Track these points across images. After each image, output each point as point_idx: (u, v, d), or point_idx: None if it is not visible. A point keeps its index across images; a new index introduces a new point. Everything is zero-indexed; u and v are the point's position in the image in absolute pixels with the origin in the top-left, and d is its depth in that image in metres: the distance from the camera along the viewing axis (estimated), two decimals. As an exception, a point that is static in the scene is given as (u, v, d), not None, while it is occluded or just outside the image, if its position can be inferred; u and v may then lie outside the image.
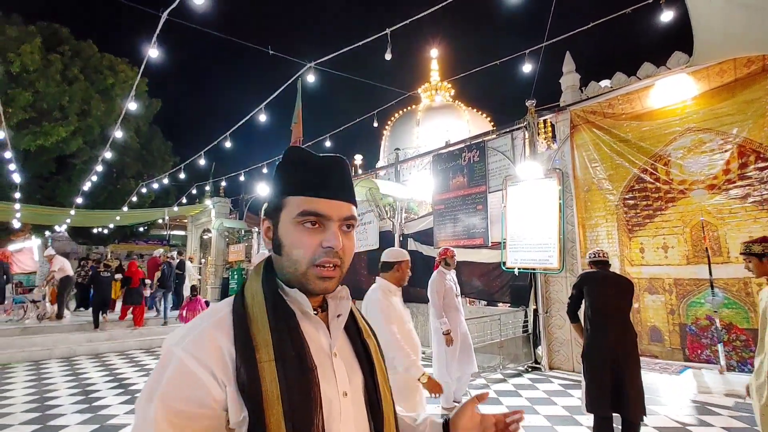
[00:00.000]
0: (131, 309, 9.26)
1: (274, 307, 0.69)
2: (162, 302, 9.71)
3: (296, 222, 0.71)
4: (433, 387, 2.35)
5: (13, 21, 13.41)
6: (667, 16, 5.00)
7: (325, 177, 0.73)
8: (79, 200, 12.75)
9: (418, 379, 2.34)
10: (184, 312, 7.52)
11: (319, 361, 0.69)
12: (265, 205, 0.79)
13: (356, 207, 0.78)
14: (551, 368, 5.94)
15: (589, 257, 3.39)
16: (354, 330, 0.82)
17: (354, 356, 0.79)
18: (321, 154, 0.76)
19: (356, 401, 0.74)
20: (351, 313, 0.82)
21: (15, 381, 5.95)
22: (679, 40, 5.06)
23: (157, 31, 3.83)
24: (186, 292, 9.81)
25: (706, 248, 4.59)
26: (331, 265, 0.70)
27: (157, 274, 9.56)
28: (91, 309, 8.98)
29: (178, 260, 11.47)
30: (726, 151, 4.46)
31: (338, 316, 0.77)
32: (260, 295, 0.70)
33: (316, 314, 0.75)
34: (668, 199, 4.84)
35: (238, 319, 0.67)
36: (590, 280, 3.28)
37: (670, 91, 4.93)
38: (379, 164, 16.06)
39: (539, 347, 6.12)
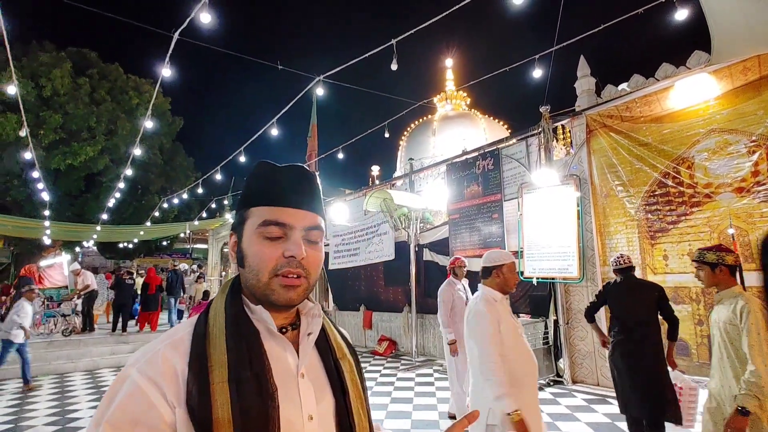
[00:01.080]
0: (149, 316, 9.61)
1: (236, 326, 0.67)
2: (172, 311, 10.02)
3: (258, 233, 0.69)
4: (520, 429, 1.88)
5: (46, 48, 14.18)
6: (683, 14, 4.83)
7: (288, 186, 0.72)
8: (106, 216, 13.20)
9: (508, 414, 1.90)
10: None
11: (282, 383, 0.66)
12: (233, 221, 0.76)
13: (323, 219, 0.76)
14: (574, 382, 5.69)
15: (612, 265, 3.33)
16: (326, 349, 0.78)
17: (326, 377, 0.75)
18: (285, 165, 0.75)
19: (324, 425, 0.70)
20: (324, 330, 0.79)
21: (40, 393, 6.11)
22: (699, 38, 4.87)
23: (170, 51, 3.96)
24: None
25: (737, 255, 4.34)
26: (294, 275, 0.68)
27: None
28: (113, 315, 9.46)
29: (198, 273, 11.74)
30: (754, 151, 4.23)
31: (309, 334, 0.74)
32: (221, 314, 0.68)
33: (285, 332, 0.72)
34: (693, 204, 4.62)
35: (197, 338, 0.65)
36: (612, 292, 3.33)
37: (691, 92, 4.74)
38: (396, 175, 16.06)
39: (561, 360, 5.90)
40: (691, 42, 4.89)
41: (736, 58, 4.09)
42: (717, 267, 2.27)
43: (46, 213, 11.69)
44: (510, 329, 2.18)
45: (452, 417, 4.28)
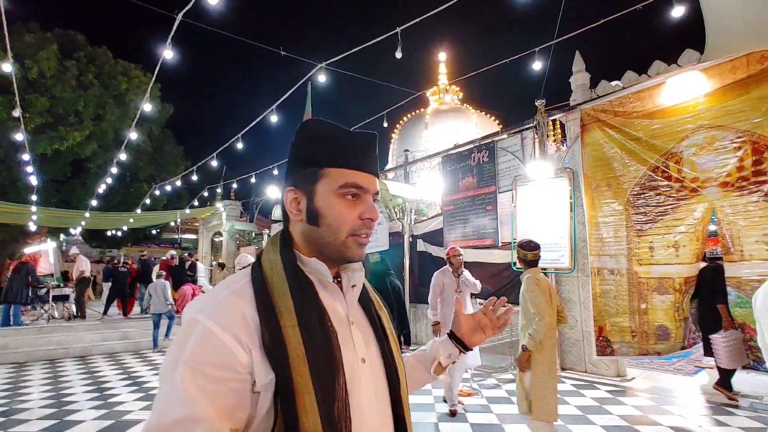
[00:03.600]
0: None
1: (293, 276, 0.70)
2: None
3: (338, 194, 0.73)
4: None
5: (31, 28, 13.77)
6: (677, 11, 4.97)
7: (364, 152, 0.77)
8: (94, 203, 12.98)
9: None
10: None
11: (338, 328, 0.70)
12: (288, 177, 0.78)
13: None
14: (563, 369, 5.88)
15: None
16: (368, 301, 0.85)
17: (369, 326, 0.81)
18: (353, 130, 0.78)
19: (374, 368, 0.77)
20: (364, 286, 0.85)
21: (32, 378, 6.07)
22: (690, 37, 5.03)
23: (172, 32, 3.92)
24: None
25: (712, 249, 4.55)
26: (365, 235, 0.75)
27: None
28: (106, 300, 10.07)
29: (189, 262, 11.68)
30: (739, 147, 4.40)
31: (353, 286, 0.79)
32: (279, 266, 0.71)
33: (334, 283, 0.77)
34: (680, 197, 4.79)
35: (259, 287, 0.68)
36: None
37: (682, 89, 4.89)
38: (388, 167, 16.10)
39: (550, 348, 6.08)
40: (683, 41, 5.04)
41: (730, 55, 4.23)
42: (520, 259, 3.28)
43: (33, 198, 11.45)
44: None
45: (446, 400, 4.41)
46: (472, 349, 0.99)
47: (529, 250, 3.17)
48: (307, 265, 0.74)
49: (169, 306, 8.01)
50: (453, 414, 4.16)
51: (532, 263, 3.20)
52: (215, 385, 0.59)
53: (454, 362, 0.99)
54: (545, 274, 6.12)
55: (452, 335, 0.98)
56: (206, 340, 0.62)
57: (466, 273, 4.50)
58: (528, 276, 3.15)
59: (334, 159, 0.74)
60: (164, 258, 11.10)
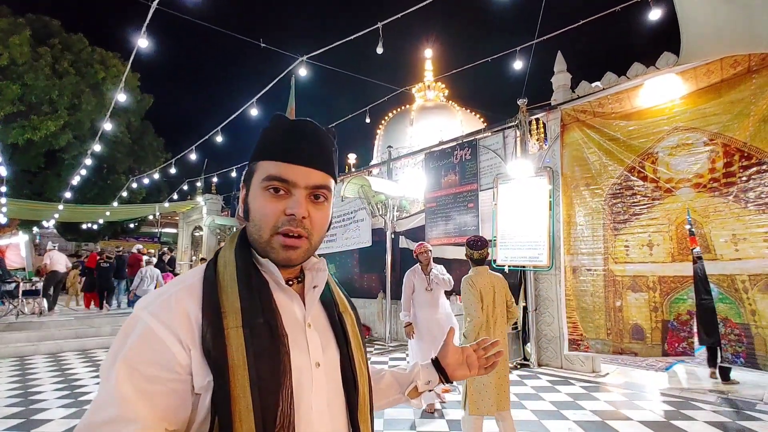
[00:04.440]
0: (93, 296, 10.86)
1: (247, 276, 0.68)
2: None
3: (263, 187, 0.69)
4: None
5: (3, 13, 13.22)
6: (656, 14, 5.06)
7: (295, 142, 0.70)
8: (68, 195, 12.59)
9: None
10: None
11: (291, 331, 0.68)
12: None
13: (333, 178, 0.75)
14: (540, 365, 5.98)
15: None
16: (331, 303, 0.81)
17: (330, 329, 0.78)
18: (299, 119, 0.74)
19: (329, 373, 0.73)
20: (328, 285, 0.82)
21: (-1, 376, 5.86)
22: (669, 40, 5.12)
23: (147, 21, 3.80)
24: None
25: (692, 248, 4.65)
26: (294, 234, 0.69)
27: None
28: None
29: (169, 257, 11.47)
30: (712, 150, 4.52)
31: (314, 287, 0.76)
32: (232, 264, 0.69)
33: (290, 285, 0.74)
34: (655, 197, 4.89)
35: (209, 285, 0.66)
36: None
37: (659, 91, 4.99)
38: (373, 162, 16.05)
39: (528, 344, 6.16)
40: (661, 43, 5.15)
41: (705, 59, 4.33)
42: (467, 257, 3.27)
43: (3, 189, 11.04)
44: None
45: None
46: (452, 382, 0.97)
47: (475, 249, 3.15)
48: (263, 265, 0.71)
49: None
50: (431, 411, 4.18)
51: (479, 262, 3.17)
52: (152, 384, 0.58)
53: (430, 390, 0.96)
54: (522, 271, 6.24)
55: (437, 363, 0.96)
56: (145, 338, 0.60)
57: (437, 269, 4.36)
58: (465, 276, 3.17)
59: (266, 151, 0.71)
60: (132, 252, 11.16)
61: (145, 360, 0.59)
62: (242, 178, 0.75)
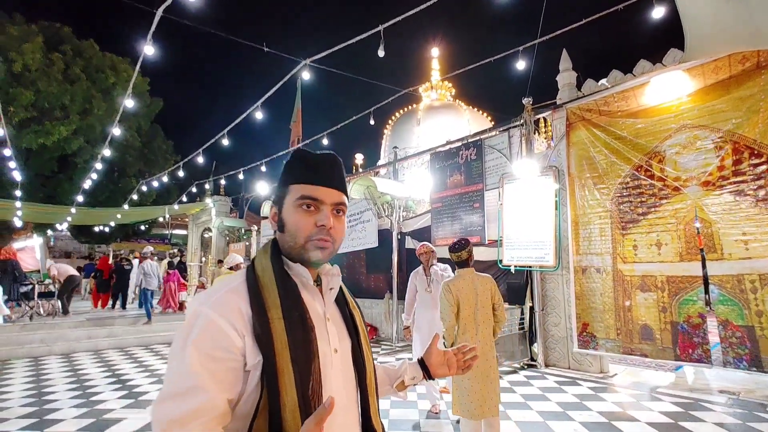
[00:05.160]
0: (102, 297, 11.54)
1: (281, 278, 0.85)
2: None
3: (297, 205, 0.87)
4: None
5: (16, 20, 13.50)
6: (659, 12, 5.00)
7: (321, 169, 0.90)
8: (81, 198, 12.81)
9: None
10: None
11: (315, 323, 0.84)
12: (272, 197, 0.96)
13: (347, 196, 0.94)
14: (547, 365, 5.94)
15: None
16: (343, 302, 0.99)
17: (343, 323, 0.95)
18: (319, 152, 0.93)
19: (344, 358, 0.91)
20: (340, 288, 0.99)
21: (13, 376, 6.00)
22: (675, 37, 5.05)
23: (152, 29, 3.86)
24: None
25: (701, 248, 4.58)
26: (323, 240, 0.87)
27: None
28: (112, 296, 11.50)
29: (177, 259, 11.66)
30: (721, 147, 4.45)
31: (330, 289, 0.93)
32: (269, 269, 0.85)
33: (314, 285, 0.92)
34: (662, 196, 4.83)
35: (252, 286, 0.82)
36: None
37: (666, 88, 4.92)
38: (380, 163, 16.07)
39: (535, 344, 6.13)
40: (668, 40, 5.07)
41: (709, 57, 4.27)
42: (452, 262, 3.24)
43: (18, 193, 11.28)
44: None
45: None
46: (434, 378, 1.14)
47: (453, 252, 3.12)
48: (292, 269, 0.88)
49: (159, 284, 9.27)
50: (435, 412, 4.18)
51: (460, 264, 3.14)
52: (216, 363, 0.73)
53: (415, 384, 1.14)
54: (528, 271, 6.20)
55: (422, 362, 1.13)
56: (208, 327, 0.75)
57: (438, 267, 4.37)
58: (444, 280, 3.18)
59: (296, 177, 0.89)
60: (141, 253, 11.54)
61: (210, 344, 0.74)
62: (272, 200, 0.94)
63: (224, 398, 0.73)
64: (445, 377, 1.18)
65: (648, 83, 5.05)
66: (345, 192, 0.93)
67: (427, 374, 1.12)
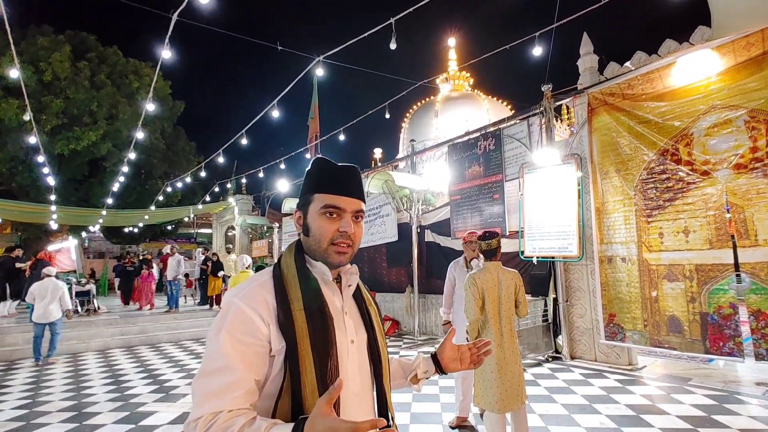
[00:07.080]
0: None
1: (303, 274, 0.95)
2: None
3: (321, 213, 0.95)
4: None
5: (44, 31, 14.05)
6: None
7: (342, 180, 0.98)
8: (110, 201, 13.33)
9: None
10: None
11: (334, 315, 0.93)
12: (297, 201, 1.03)
13: (365, 203, 1.03)
14: (572, 358, 5.83)
15: None
16: (360, 298, 1.07)
17: (360, 317, 1.04)
18: (341, 164, 1.02)
19: (360, 349, 0.99)
20: (358, 286, 1.07)
21: (54, 372, 6.33)
22: (702, 14, 4.81)
23: (169, 32, 3.96)
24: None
25: (732, 235, 4.36)
26: (344, 245, 0.95)
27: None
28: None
29: (203, 257, 11.93)
30: (754, 128, 4.22)
31: (349, 285, 1.02)
32: (293, 266, 0.96)
33: (333, 282, 1.00)
34: (690, 181, 4.63)
35: (277, 281, 0.93)
36: None
37: (693, 68, 4.69)
38: (398, 156, 16.00)
39: (560, 336, 6.02)
40: (695, 17, 4.83)
41: (737, 33, 4.04)
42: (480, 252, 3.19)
43: (52, 198, 11.81)
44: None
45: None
46: (446, 373, 1.19)
47: (483, 240, 3.11)
48: (314, 267, 0.97)
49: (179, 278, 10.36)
50: (462, 423, 3.75)
51: (488, 254, 3.10)
52: (245, 347, 0.83)
53: (428, 378, 1.19)
54: (551, 262, 6.08)
55: (435, 357, 1.19)
56: (239, 316, 0.86)
57: (478, 261, 3.78)
58: (469, 273, 3.16)
59: (320, 187, 0.97)
60: (166, 252, 11.96)
61: (240, 330, 0.84)
62: (298, 206, 1.02)
63: (251, 378, 0.82)
64: (457, 371, 1.18)
65: (674, 63, 4.83)
66: (363, 199, 1.01)
67: (439, 369, 1.18)
